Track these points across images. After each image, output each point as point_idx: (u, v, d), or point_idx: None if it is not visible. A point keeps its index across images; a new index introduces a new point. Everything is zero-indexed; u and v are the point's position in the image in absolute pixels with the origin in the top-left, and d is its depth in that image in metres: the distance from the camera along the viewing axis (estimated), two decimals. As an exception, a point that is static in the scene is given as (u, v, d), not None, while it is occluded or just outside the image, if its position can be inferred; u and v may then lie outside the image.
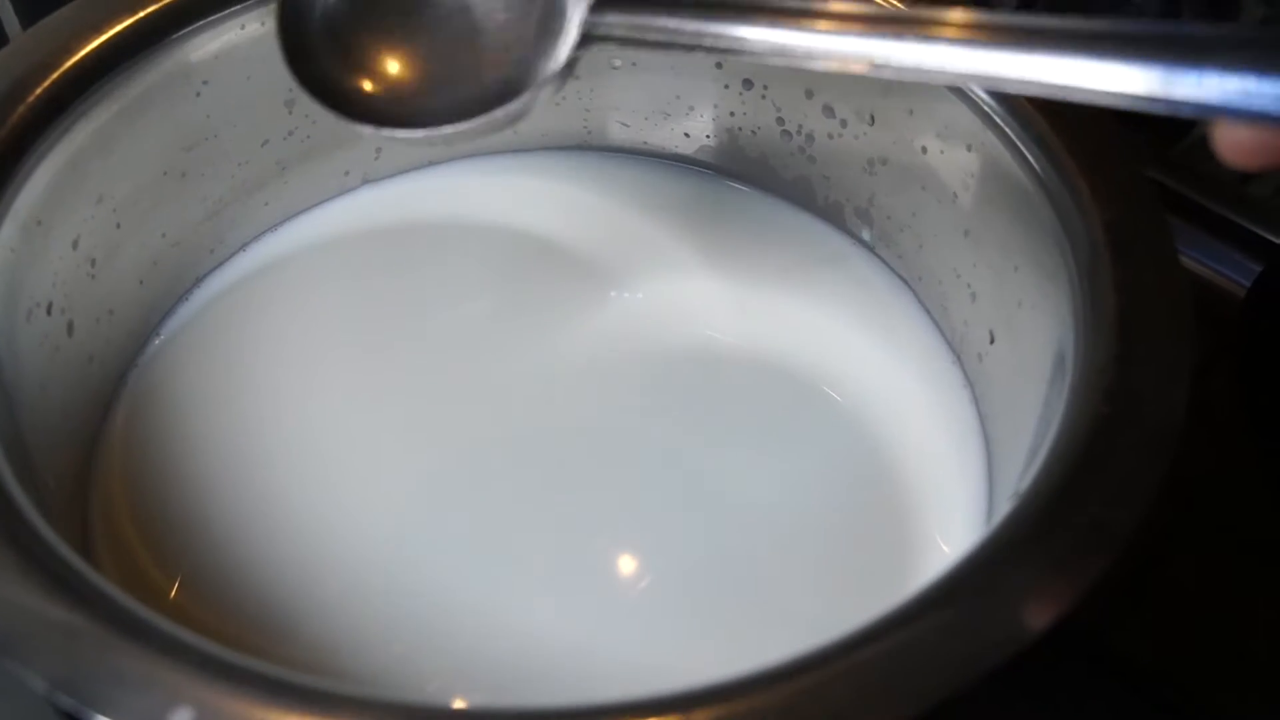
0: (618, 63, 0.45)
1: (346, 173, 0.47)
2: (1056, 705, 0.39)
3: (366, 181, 0.47)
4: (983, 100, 0.37)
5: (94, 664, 0.24)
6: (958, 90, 0.38)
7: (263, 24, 0.41)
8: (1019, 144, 0.36)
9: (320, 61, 0.33)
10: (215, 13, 0.40)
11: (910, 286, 0.44)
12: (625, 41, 0.31)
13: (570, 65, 0.31)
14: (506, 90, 0.32)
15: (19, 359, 0.34)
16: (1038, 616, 0.25)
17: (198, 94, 0.40)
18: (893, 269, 0.44)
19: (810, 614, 0.35)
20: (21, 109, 0.35)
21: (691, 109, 0.46)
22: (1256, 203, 0.50)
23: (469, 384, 0.41)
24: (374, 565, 0.36)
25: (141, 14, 0.38)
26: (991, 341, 0.39)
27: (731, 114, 0.46)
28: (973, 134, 0.38)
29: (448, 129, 0.31)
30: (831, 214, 0.46)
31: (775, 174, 0.46)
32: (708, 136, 0.47)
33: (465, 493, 0.38)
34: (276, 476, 0.39)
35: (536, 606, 0.36)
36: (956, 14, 0.26)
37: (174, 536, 0.37)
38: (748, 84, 0.44)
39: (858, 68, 0.27)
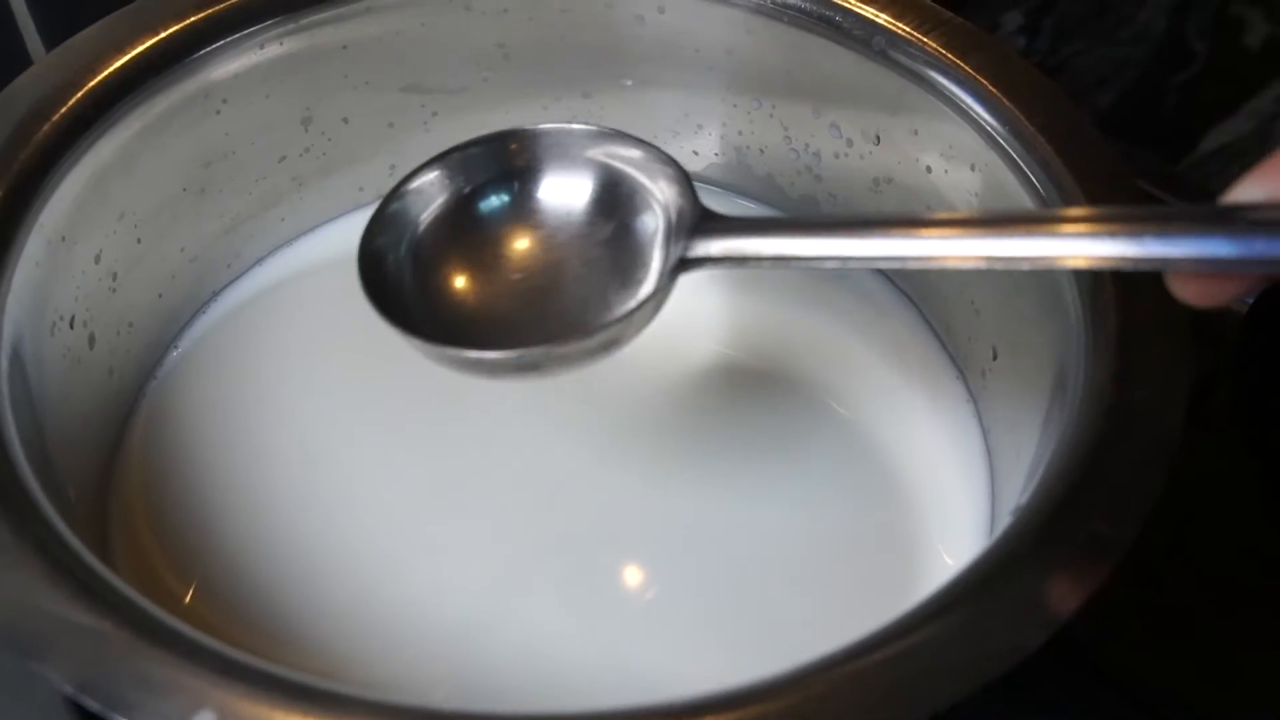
0: (628, 81, 0.46)
1: (361, 189, 0.47)
2: (1056, 714, 0.39)
3: (381, 198, 0.48)
4: (986, 121, 0.38)
5: (118, 668, 0.25)
6: (961, 111, 0.38)
7: (281, 44, 0.41)
8: (1022, 165, 0.37)
9: (398, 288, 0.33)
10: (235, 33, 0.40)
11: (915, 303, 0.45)
12: (721, 263, 0.31)
13: (664, 293, 0.31)
14: (598, 318, 0.31)
15: (43, 371, 0.35)
16: (1036, 629, 0.26)
17: (217, 112, 0.41)
18: (897, 285, 0.45)
19: (816, 625, 0.35)
20: (47, 127, 0.36)
21: (700, 127, 0.47)
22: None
23: (479, 398, 0.42)
24: (384, 575, 0.37)
25: (163, 34, 0.39)
26: (995, 358, 0.40)
27: (740, 132, 0.46)
28: (976, 154, 0.39)
29: (539, 350, 0.30)
30: (838, 231, 0.46)
31: (782, 192, 0.47)
32: (716, 154, 0.48)
33: (474, 505, 0.39)
34: (291, 487, 0.39)
35: (544, 619, 0.36)
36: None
37: (190, 545, 0.38)
38: (756, 103, 0.45)
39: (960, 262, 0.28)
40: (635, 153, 0.33)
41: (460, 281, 0.33)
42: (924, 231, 0.28)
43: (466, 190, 0.34)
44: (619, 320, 0.30)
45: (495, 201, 0.34)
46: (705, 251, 0.31)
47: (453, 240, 0.33)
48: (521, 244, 0.33)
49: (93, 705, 0.24)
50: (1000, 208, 0.38)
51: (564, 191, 0.34)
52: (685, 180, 0.32)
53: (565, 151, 0.34)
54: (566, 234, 0.33)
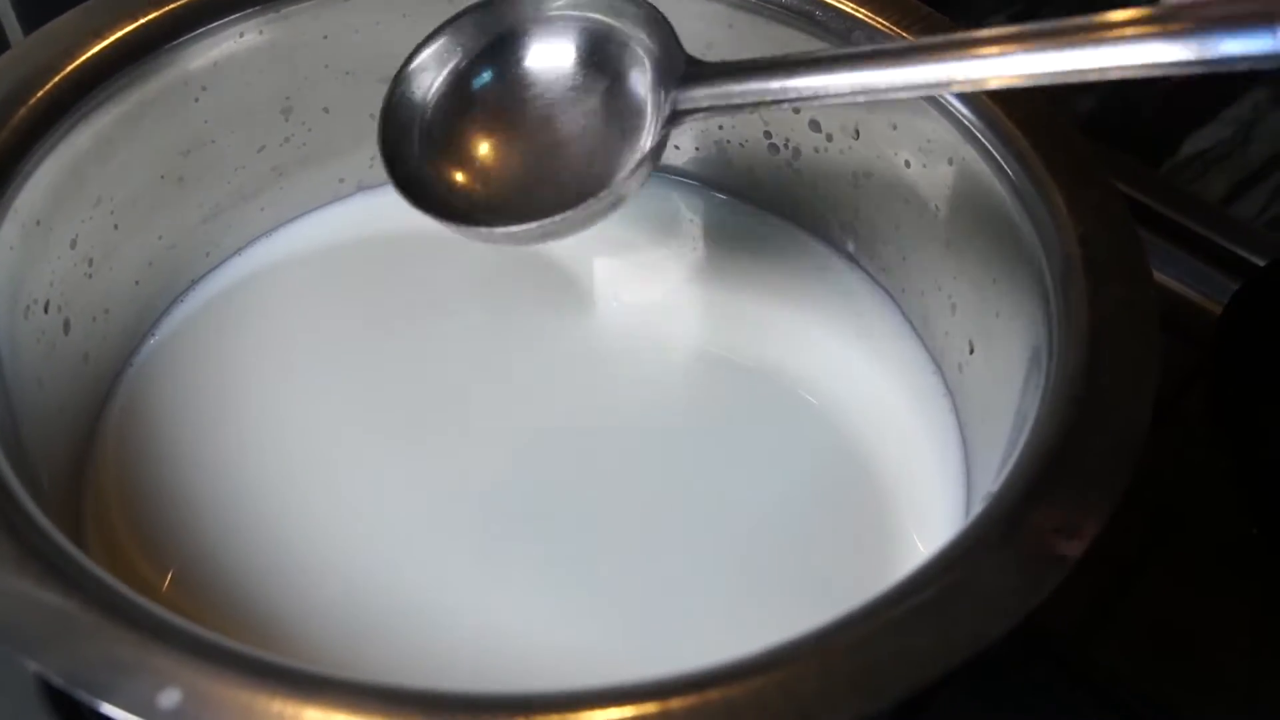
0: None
1: (341, 180, 0.47)
2: (1030, 713, 0.40)
3: (362, 189, 0.48)
4: (964, 115, 0.38)
5: (85, 647, 0.25)
6: (939, 106, 0.39)
7: (261, 33, 0.41)
8: (999, 159, 0.37)
9: (419, 173, 0.35)
10: (214, 20, 0.40)
11: (893, 298, 0.45)
12: (713, 110, 0.33)
13: (661, 145, 0.33)
14: (602, 181, 0.33)
15: (17, 355, 0.35)
16: (1003, 616, 0.26)
17: (196, 100, 0.41)
18: (876, 280, 0.45)
19: (792, 614, 0.35)
20: (24, 110, 0.36)
21: (682, 121, 0.47)
22: (1238, 223, 0.51)
23: (459, 389, 0.42)
24: (363, 566, 0.37)
25: (143, 20, 0.39)
26: (971, 352, 0.40)
27: (720, 127, 0.46)
28: (954, 149, 0.39)
29: (558, 218, 0.32)
30: (817, 226, 0.47)
31: (762, 187, 0.47)
32: (696, 149, 0.48)
33: (455, 495, 0.39)
34: (267, 477, 0.39)
35: (524, 607, 0.36)
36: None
37: (165, 534, 0.37)
38: (736, 98, 0.45)
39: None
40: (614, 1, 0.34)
41: (473, 158, 0.36)
42: (895, 61, 0.30)
43: (463, 66, 0.36)
44: (626, 177, 0.33)
45: (490, 75, 0.36)
46: (694, 102, 0.32)
47: (460, 118, 0.36)
48: (523, 112, 0.36)
49: (59, 683, 0.24)
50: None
51: (553, 54, 0.36)
52: (666, 25, 0.33)
53: (545, 13, 0.35)
54: (563, 96, 0.35)
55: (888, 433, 0.41)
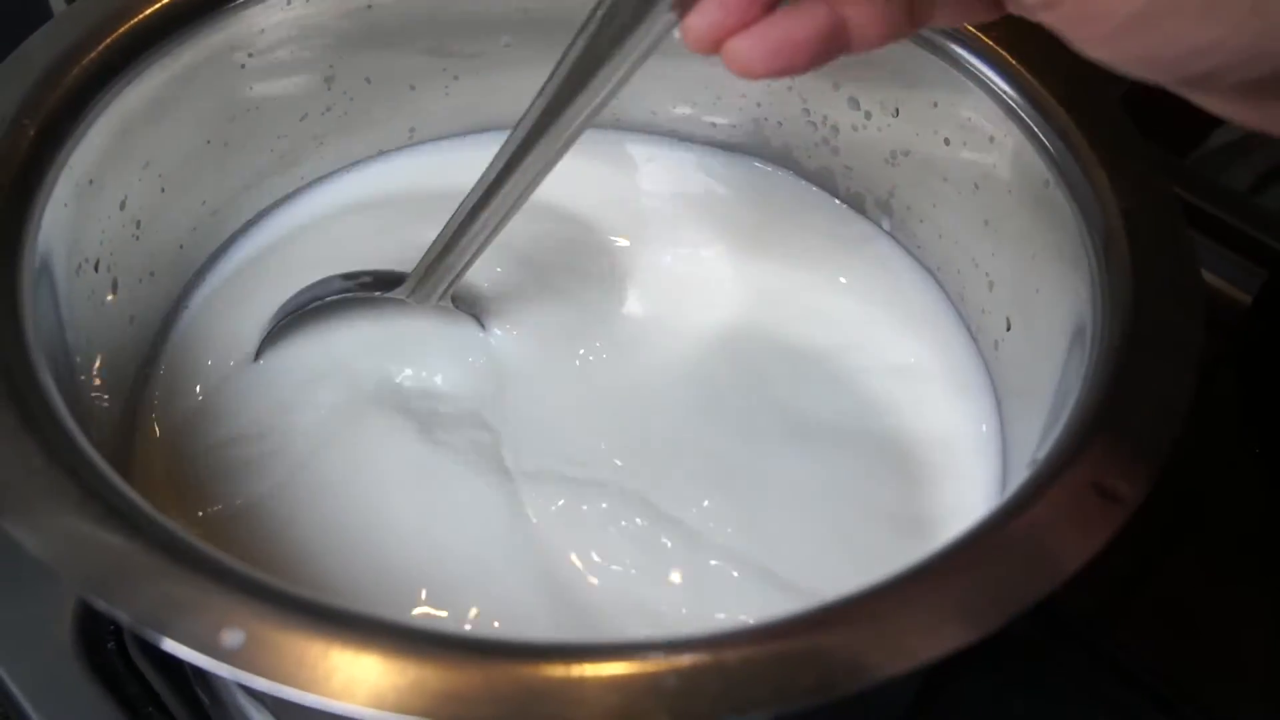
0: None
1: (382, 151, 0.48)
2: (1056, 698, 0.40)
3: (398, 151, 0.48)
4: (1005, 93, 0.38)
5: (151, 589, 0.25)
6: (981, 83, 0.39)
7: (307, 1, 0.42)
8: (1041, 135, 0.37)
9: None
10: (262, -13, 0.41)
11: (932, 274, 0.45)
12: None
13: None
14: None
15: (72, 311, 0.35)
16: (1048, 577, 0.26)
17: (242, 66, 0.42)
18: (914, 256, 0.45)
19: (832, 577, 0.35)
20: (77, 70, 0.36)
21: (719, 99, 0.47)
22: (1266, 213, 0.51)
23: (490, 349, 0.42)
24: (406, 516, 0.37)
25: (191, -15, 0.39)
26: (1008, 328, 0.40)
27: (758, 104, 0.47)
28: (995, 125, 0.39)
29: None
30: (852, 204, 0.47)
31: (799, 164, 0.47)
32: (733, 126, 0.48)
33: (495, 444, 0.39)
34: (305, 431, 0.39)
35: (562, 557, 0.36)
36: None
37: (206, 491, 0.38)
38: (776, 74, 0.45)
39: None
40: None
41: None
42: None
43: None
44: None
45: None
46: None
47: None
48: None
49: (126, 622, 0.24)
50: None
51: None
52: None
53: None
54: None
55: (924, 406, 0.41)
